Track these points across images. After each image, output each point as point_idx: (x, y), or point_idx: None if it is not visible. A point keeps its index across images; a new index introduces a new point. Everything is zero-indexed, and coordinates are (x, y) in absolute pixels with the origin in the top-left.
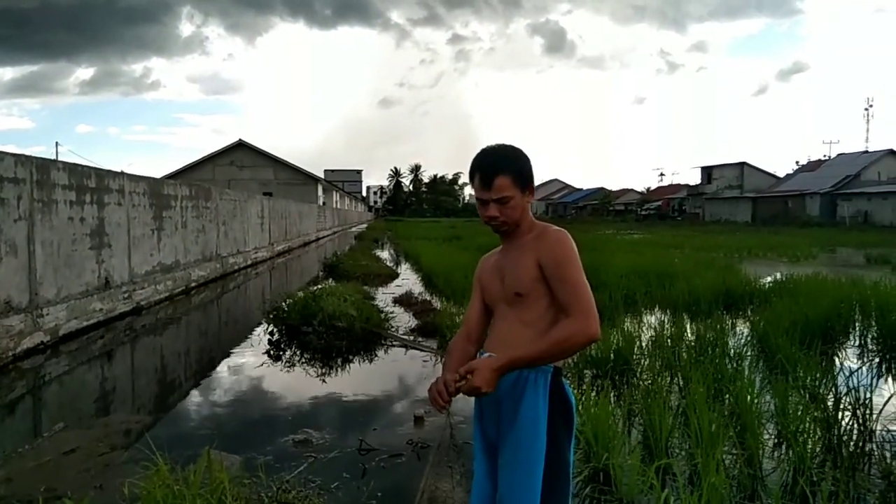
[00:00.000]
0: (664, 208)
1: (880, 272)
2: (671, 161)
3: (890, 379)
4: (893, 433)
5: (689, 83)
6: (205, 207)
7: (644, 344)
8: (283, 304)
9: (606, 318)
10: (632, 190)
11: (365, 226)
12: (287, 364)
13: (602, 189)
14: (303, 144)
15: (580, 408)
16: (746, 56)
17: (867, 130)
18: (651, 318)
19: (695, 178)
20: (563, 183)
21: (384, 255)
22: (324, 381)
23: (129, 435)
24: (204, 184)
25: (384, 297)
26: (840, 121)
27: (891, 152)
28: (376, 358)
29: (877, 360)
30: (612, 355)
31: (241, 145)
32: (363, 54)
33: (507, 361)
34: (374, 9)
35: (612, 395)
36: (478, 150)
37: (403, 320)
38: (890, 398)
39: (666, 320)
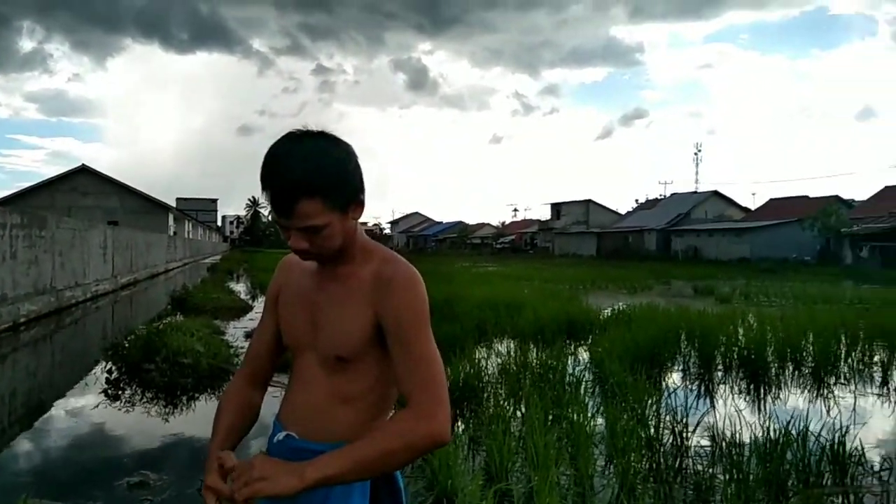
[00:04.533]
0: (517, 242)
1: (705, 302)
2: (524, 197)
3: (708, 399)
4: (705, 448)
5: (543, 124)
6: (38, 237)
7: (491, 372)
8: (124, 340)
9: (458, 349)
10: (488, 224)
11: (219, 257)
12: (127, 403)
13: (461, 223)
14: (155, 171)
15: None
16: (594, 101)
17: (696, 173)
18: (500, 347)
19: (545, 214)
20: (424, 216)
21: (239, 287)
22: (166, 420)
23: None
24: (40, 211)
25: (235, 331)
26: (674, 163)
27: (715, 193)
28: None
29: (696, 382)
30: (460, 384)
31: (84, 170)
32: (222, 80)
33: (320, 479)
34: (235, 36)
35: (458, 423)
36: (269, 148)
37: None
38: (703, 417)
39: (513, 349)
